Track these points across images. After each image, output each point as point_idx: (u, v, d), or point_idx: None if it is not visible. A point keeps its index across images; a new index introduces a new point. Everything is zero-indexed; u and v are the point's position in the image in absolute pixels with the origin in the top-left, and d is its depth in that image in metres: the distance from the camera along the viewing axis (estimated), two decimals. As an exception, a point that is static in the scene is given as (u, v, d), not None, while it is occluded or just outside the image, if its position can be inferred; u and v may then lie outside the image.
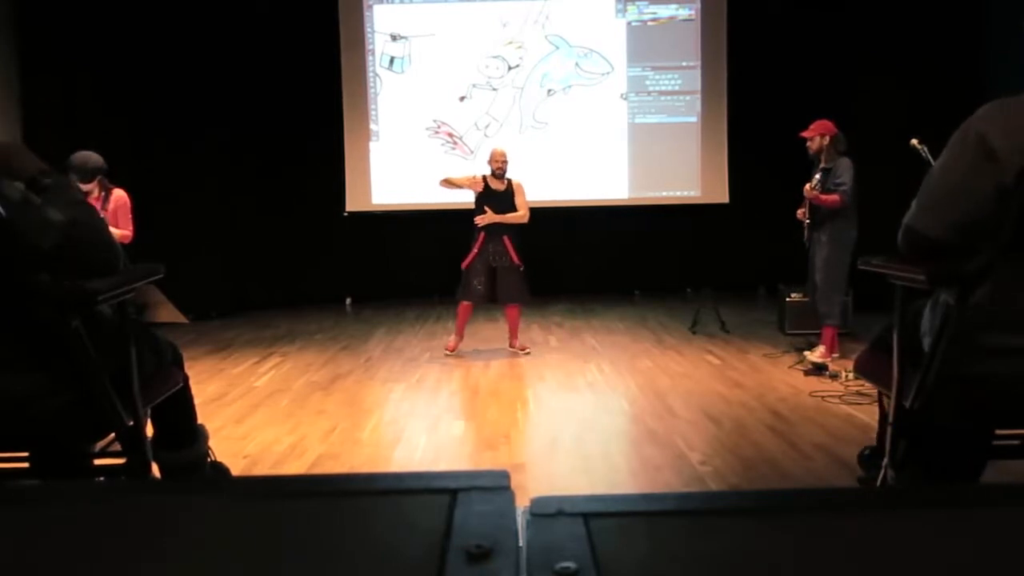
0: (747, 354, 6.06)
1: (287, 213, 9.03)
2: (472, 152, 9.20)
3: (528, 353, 6.23)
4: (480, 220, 6.05)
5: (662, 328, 7.28)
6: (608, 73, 9.22)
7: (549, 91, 9.23)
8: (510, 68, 9.23)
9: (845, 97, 7.63)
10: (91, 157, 4.99)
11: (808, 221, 5.60)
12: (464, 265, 6.10)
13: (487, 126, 9.25)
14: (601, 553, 0.61)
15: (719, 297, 7.30)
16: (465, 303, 6.15)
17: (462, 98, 9.23)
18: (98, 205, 4.97)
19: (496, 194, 6.12)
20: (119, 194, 5.21)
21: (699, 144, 9.24)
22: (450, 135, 9.23)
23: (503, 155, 6.19)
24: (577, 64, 9.23)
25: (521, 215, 6.13)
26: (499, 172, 6.14)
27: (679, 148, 9.23)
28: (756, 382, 5.19)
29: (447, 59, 9.17)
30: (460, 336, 6.29)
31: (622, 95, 9.22)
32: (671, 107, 9.25)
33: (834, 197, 5.34)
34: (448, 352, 6.20)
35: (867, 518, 0.69)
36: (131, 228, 5.23)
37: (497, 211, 6.07)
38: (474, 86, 9.24)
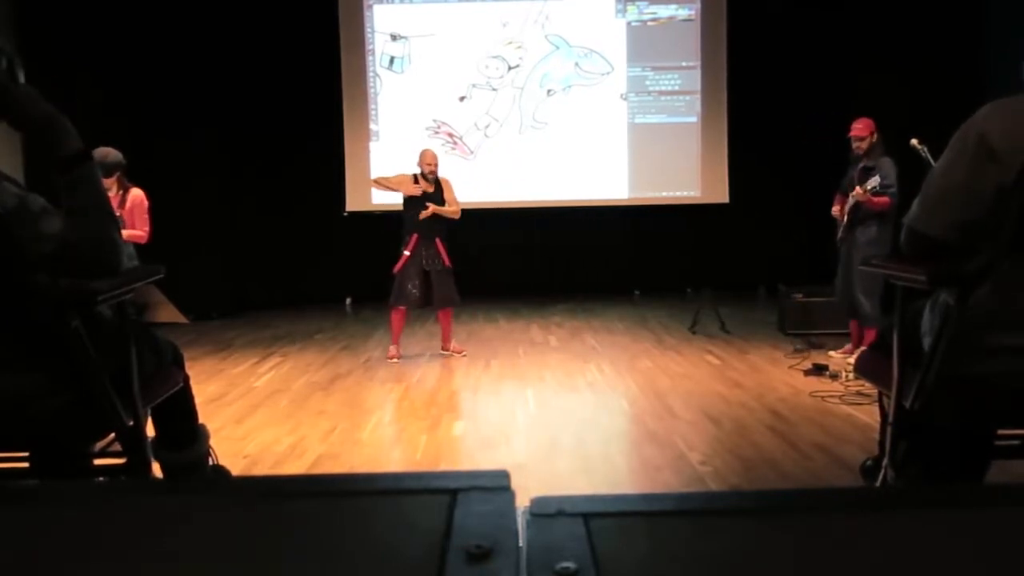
0: (747, 354, 6.06)
1: (287, 213, 9.04)
2: (472, 152, 9.21)
3: (465, 355, 6.15)
4: (424, 214, 5.90)
5: (662, 328, 7.28)
6: (608, 73, 9.22)
7: (549, 91, 9.23)
8: (510, 68, 9.23)
9: (845, 96, 7.63)
10: (110, 153, 4.93)
11: (846, 220, 5.47)
12: (396, 269, 5.99)
13: (487, 126, 9.25)
14: (601, 553, 0.61)
15: (719, 297, 7.29)
16: (399, 308, 6.03)
17: (462, 98, 9.23)
18: (115, 203, 4.95)
19: (428, 195, 6.01)
20: (136, 193, 5.16)
21: (699, 144, 9.24)
22: (450, 135, 9.23)
23: (435, 158, 6.07)
24: (577, 64, 9.23)
25: (454, 210, 6.03)
26: (431, 176, 6.01)
27: (679, 148, 9.24)
28: (756, 382, 5.19)
29: (447, 59, 9.17)
30: (398, 344, 6.14)
31: (622, 95, 9.22)
32: (671, 107, 9.25)
33: (884, 199, 5.24)
34: (393, 360, 6.01)
35: (867, 518, 0.69)
36: (147, 228, 5.18)
37: None
38: (474, 86, 9.24)
